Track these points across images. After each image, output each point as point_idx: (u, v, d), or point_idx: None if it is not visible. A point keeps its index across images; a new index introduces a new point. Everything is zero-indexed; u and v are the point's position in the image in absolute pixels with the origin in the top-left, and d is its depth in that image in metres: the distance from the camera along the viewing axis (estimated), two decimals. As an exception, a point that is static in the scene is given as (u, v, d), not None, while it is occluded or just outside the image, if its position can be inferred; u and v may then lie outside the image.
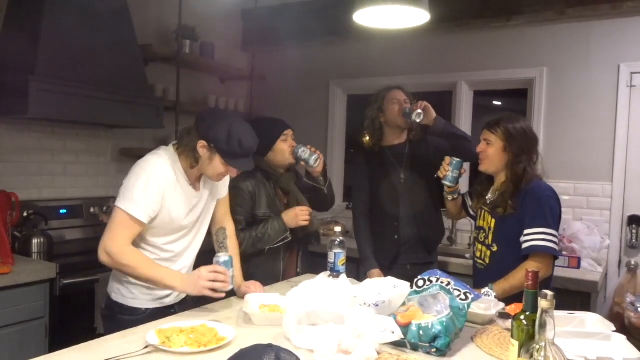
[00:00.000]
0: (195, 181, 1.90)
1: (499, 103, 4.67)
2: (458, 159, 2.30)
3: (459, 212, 2.52)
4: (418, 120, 2.48)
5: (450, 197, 2.44)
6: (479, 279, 2.25)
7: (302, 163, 2.36)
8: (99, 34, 2.93)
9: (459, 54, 3.65)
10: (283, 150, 2.35)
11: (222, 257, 1.80)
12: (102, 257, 1.72)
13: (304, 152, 2.34)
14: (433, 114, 2.50)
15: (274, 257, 2.37)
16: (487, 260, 2.18)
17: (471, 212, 2.44)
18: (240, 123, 1.83)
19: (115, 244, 1.70)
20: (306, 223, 2.34)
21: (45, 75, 2.63)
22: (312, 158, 2.33)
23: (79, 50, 2.82)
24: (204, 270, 1.74)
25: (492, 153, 2.15)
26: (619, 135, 3.15)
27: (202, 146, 1.78)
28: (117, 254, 1.70)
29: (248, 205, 2.31)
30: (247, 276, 2.23)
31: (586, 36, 3.23)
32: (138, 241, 1.82)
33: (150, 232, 1.82)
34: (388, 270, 2.57)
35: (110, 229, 1.72)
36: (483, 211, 2.23)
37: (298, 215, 2.31)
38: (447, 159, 2.32)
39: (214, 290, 1.73)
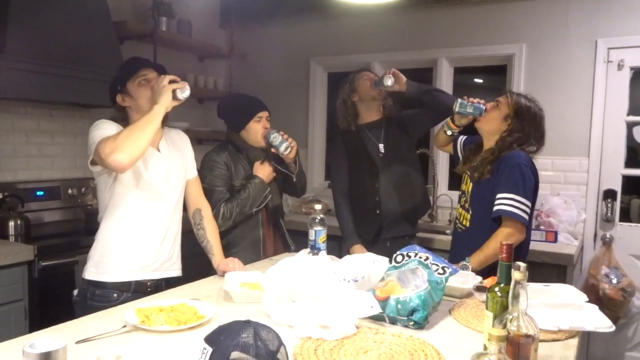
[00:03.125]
0: (154, 144, 1.92)
1: (480, 81, 4.68)
2: (480, 108, 2.19)
3: (445, 145, 2.50)
4: (389, 84, 2.48)
5: (448, 131, 2.41)
6: (458, 242, 2.30)
7: (273, 150, 2.35)
8: (71, 10, 2.84)
9: (438, 30, 3.63)
10: (256, 130, 2.38)
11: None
12: (113, 158, 1.64)
13: (276, 137, 2.32)
14: (403, 78, 2.52)
15: (254, 224, 2.41)
16: (467, 224, 2.21)
17: (459, 154, 2.42)
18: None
19: (104, 144, 1.67)
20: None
21: (15, 54, 2.55)
22: (283, 145, 2.31)
23: (51, 28, 2.74)
24: (159, 80, 1.78)
25: (494, 115, 2.15)
26: (596, 111, 3.18)
27: (120, 100, 1.89)
28: (110, 143, 1.65)
29: (226, 175, 2.35)
30: (229, 246, 2.30)
31: (564, 12, 3.24)
32: (122, 213, 1.87)
33: (126, 196, 1.86)
34: (371, 245, 2.60)
35: (99, 148, 1.68)
36: (466, 175, 2.25)
37: (267, 166, 2.39)
38: (479, 100, 2.24)
39: (175, 83, 1.77)
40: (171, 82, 1.76)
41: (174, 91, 1.75)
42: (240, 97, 2.55)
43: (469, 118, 2.25)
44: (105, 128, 1.80)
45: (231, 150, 2.40)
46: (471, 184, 2.19)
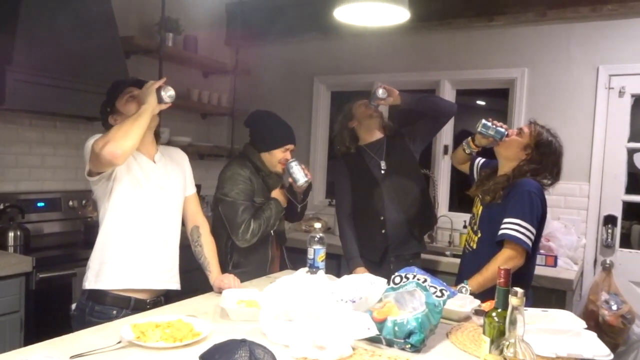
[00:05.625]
0: (149, 156, 1.98)
1: (482, 103, 4.71)
2: (502, 133, 2.19)
3: (462, 163, 2.51)
4: (381, 94, 2.51)
5: (467, 150, 2.41)
6: (464, 264, 2.29)
7: (290, 179, 2.37)
8: (79, 24, 2.88)
9: (441, 52, 3.67)
10: (278, 158, 2.41)
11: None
12: (106, 150, 1.68)
13: (298, 170, 2.35)
14: (395, 91, 2.55)
15: (265, 244, 2.41)
16: (474, 246, 2.21)
17: (475, 175, 2.43)
18: None
19: (97, 141, 1.72)
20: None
21: (22, 66, 2.58)
22: (302, 180, 2.34)
23: (58, 41, 2.78)
24: (146, 84, 1.86)
25: (515, 142, 2.16)
26: (597, 136, 3.20)
27: (111, 121, 1.91)
28: (104, 138, 1.71)
29: (250, 191, 2.36)
30: (239, 264, 2.33)
31: (566, 38, 3.28)
32: (120, 222, 1.88)
33: (124, 204, 1.88)
34: (378, 266, 2.55)
35: (93, 146, 1.73)
36: (477, 198, 2.26)
37: (284, 194, 2.46)
38: (503, 124, 2.24)
39: (155, 83, 1.84)
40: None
41: (158, 93, 1.81)
42: (279, 121, 2.51)
43: (489, 140, 2.25)
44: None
45: (250, 167, 2.41)
46: (481, 207, 2.20)
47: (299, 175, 2.35)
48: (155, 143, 2.02)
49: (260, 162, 2.43)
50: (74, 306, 1.94)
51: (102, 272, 1.87)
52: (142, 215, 1.91)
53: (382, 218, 2.62)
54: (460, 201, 3.77)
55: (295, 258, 2.59)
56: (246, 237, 2.29)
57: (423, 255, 3.03)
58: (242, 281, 2.22)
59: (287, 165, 2.38)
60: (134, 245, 1.89)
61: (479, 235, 2.19)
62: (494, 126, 2.19)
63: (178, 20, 3.72)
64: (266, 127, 2.46)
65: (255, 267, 2.37)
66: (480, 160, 2.45)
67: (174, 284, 2.02)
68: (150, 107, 1.80)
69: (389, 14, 2.08)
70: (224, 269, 2.25)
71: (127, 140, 1.71)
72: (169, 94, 1.84)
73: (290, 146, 2.44)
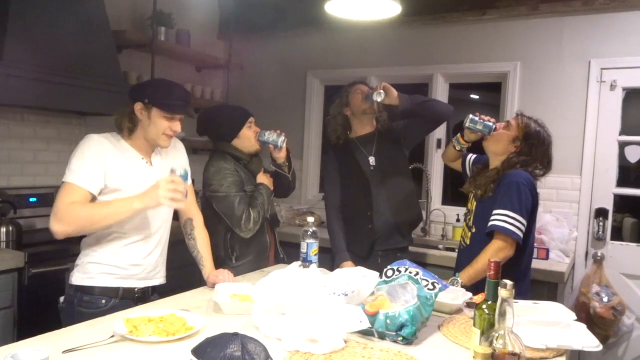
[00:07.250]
0: (147, 156, 1.93)
1: (476, 97, 4.71)
2: (490, 127, 2.20)
3: (454, 160, 2.53)
4: (379, 100, 2.48)
5: (457, 146, 2.43)
6: (459, 259, 2.31)
7: (271, 146, 2.41)
8: (70, 18, 2.86)
9: (434, 46, 3.68)
10: (249, 136, 2.40)
11: (177, 170, 1.77)
12: (55, 226, 1.68)
13: (270, 134, 2.39)
14: (394, 92, 2.50)
15: (261, 230, 2.41)
16: (468, 241, 2.22)
17: (467, 171, 2.44)
18: (165, 79, 1.97)
19: (61, 208, 1.69)
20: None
21: (13, 61, 2.56)
22: (280, 139, 2.38)
23: (49, 35, 2.76)
24: (162, 181, 1.72)
25: (502, 136, 2.17)
26: (588, 130, 3.22)
27: (139, 108, 1.84)
28: (66, 213, 1.68)
29: (239, 181, 2.35)
30: (242, 255, 2.34)
31: (559, 31, 3.29)
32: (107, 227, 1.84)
33: None
34: (364, 260, 2.55)
35: (56, 201, 1.72)
36: (471, 194, 2.27)
37: (268, 176, 2.49)
38: (490, 118, 2.25)
39: (172, 200, 1.71)
40: (172, 200, 1.73)
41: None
42: (225, 107, 2.56)
43: (478, 134, 2.26)
44: (86, 157, 1.77)
45: (230, 160, 2.39)
46: (475, 203, 2.21)
47: (274, 137, 2.39)
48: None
49: (237, 151, 2.40)
50: (62, 299, 1.93)
51: (88, 272, 1.86)
52: (132, 219, 1.86)
53: (369, 213, 2.62)
54: (453, 195, 3.78)
55: (289, 252, 2.60)
56: (249, 226, 2.29)
57: (416, 249, 3.05)
58: (246, 271, 2.25)
59: (259, 137, 2.40)
60: (120, 246, 1.87)
61: (473, 230, 2.20)
62: (482, 120, 2.20)
63: (170, 14, 3.69)
64: (220, 118, 2.44)
65: (256, 255, 2.39)
66: (472, 157, 2.46)
67: (159, 279, 2.02)
68: (142, 208, 1.75)
69: (380, 8, 2.08)
70: (226, 264, 2.26)
71: (81, 230, 1.73)
72: (168, 203, 1.73)
73: (251, 119, 2.43)
